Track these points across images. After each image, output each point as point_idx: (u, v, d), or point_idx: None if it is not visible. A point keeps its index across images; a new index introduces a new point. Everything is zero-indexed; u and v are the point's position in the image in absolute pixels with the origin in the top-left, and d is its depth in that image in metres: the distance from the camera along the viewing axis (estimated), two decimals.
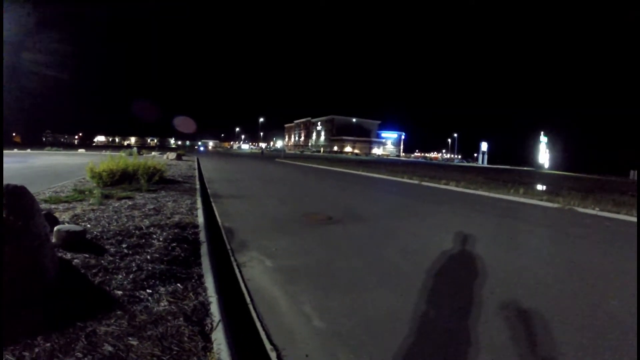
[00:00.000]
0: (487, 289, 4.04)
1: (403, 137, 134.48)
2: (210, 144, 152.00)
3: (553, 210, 10.27)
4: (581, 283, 4.39)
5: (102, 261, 3.77)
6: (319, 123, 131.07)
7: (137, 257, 4.03)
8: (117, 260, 3.86)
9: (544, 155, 74.75)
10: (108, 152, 11.48)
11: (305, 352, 2.69)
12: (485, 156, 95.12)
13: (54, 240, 3.98)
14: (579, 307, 3.67)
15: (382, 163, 43.74)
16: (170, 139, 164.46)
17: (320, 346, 2.78)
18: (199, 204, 7.79)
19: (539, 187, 17.43)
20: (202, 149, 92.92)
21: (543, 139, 74.77)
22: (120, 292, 3.11)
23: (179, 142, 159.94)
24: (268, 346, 2.74)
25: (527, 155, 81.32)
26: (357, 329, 3.07)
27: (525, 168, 66.73)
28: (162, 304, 2.97)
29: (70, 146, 77.53)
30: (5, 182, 2.86)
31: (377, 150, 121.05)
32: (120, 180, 9.75)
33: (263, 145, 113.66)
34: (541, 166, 71.47)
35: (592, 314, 3.54)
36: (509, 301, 3.76)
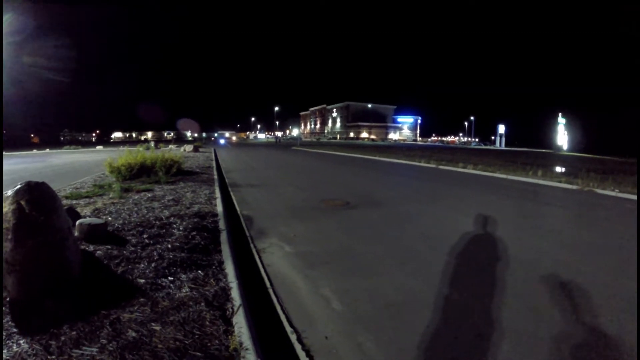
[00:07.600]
0: (507, 271, 3.96)
1: (419, 121, 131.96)
2: (227, 134, 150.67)
3: (572, 192, 9.96)
4: (600, 265, 4.24)
5: (124, 252, 3.85)
6: (334, 110, 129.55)
7: (158, 246, 4.09)
8: (138, 250, 3.93)
9: (562, 137, 72.41)
10: (126, 148, 11.71)
11: (324, 334, 2.69)
12: (503, 139, 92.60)
13: (76, 233, 4.08)
14: (598, 290, 3.58)
15: (399, 148, 43.27)
16: (186, 132, 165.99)
17: (340, 329, 2.77)
18: (218, 194, 7.87)
19: (558, 169, 16.92)
20: (221, 141, 78.86)
21: (561, 120, 72.39)
22: (142, 281, 3.17)
23: (195, 135, 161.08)
24: (288, 329, 2.76)
25: (545, 137, 78.58)
26: (376, 312, 3.05)
27: (543, 150, 64.84)
28: (183, 291, 3.01)
29: (88, 143, 79.22)
30: (26, 180, 2.93)
31: (393, 136, 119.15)
32: (138, 174, 9.93)
33: (279, 134, 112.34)
34: (560, 148, 69.16)
35: (612, 296, 3.44)
36: (530, 283, 3.68)
